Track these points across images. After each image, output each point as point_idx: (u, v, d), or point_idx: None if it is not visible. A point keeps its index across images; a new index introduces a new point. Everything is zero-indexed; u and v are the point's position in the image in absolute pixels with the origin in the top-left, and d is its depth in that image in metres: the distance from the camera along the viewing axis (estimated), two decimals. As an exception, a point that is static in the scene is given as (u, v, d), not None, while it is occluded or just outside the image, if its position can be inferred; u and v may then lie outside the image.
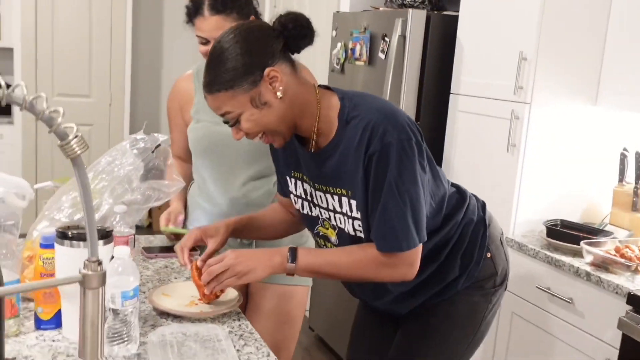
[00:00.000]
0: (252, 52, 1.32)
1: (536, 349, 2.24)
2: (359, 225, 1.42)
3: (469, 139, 2.62)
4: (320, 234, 1.55)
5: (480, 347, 1.67)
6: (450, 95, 2.72)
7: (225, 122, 1.40)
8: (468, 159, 2.62)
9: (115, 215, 1.56)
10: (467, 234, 1.53)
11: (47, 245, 1.31)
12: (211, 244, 1.56)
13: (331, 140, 1.39)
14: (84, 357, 0.83)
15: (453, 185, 1.60)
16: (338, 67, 3.20)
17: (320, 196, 1.48)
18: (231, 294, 1.55)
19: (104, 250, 1.27)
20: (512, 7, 2.39)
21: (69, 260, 1.26)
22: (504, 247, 1.63)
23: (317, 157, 1.42)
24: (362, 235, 1.43)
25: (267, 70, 1.32)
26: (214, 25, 1.79)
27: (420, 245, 1.38)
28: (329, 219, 1.49)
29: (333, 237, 1.51)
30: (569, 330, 2.11)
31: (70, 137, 0.75)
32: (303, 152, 1.45)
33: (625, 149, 2.43)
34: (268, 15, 4.40)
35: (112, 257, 1.26)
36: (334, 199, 1.44)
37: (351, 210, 1.41)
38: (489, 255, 1.56)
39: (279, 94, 1.33)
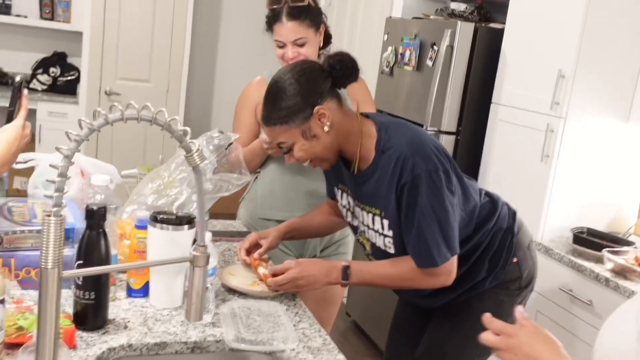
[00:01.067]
0: (303, 93, 1.57)
1: (556, 345, 2.43)
2: (389, 242, 1.66)
3: (507, 147, 2.80)
4: (359, 241, 1.82)
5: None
6: (492, 105, 2.90)
7: (280, 148, 1.66)
8: (505, 166, 2.81)
9: (192, 203, 1.81)
10: (495, 240, 1.74)
11: (141, 226, 1.57)
12: (265, 244, 1.83)
13: (369, 166, 1.63)
14: (189, 318, 1.08)
15: (487, 194, 1.80)
16: (387, 69, 3.40)
17: (359, 212, 1.73)
18: None
19: (190, 233, 1.52)
20: (554, 25, 2.56)
21: (159, 239, 1.51)
22: (532, 253, 1.83)
23: (358, 179, 1.66)
24: (391, 251, 1.68)
25: (316, 109, 1.56)
26: (291, 29, 2.08)
27: (455, 257, 1.61)
28: (364, 232, 1.75)
29: (368, 248, 1.78)
30: (588, 330, 2.30)
31: (194, 150, 1.00)
32: (346, 171, 1.69)
33: (654, 165, 2.59)
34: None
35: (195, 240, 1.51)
36: (368, 217, 1.69)
37: (383, 228, 1.66)
38: (515, 260, 1.77)
39: (326, 128, 1.58)
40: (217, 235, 2.09)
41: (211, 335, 1.45)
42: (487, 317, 1.16)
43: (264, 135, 2.06)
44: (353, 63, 1.61)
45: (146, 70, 5.01)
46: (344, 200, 1.79)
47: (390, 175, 1.57)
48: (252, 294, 1.68)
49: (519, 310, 1.17)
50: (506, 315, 1.79)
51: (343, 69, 1.59)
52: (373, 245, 1.72)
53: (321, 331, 1.54)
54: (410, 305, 1.97)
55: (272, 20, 2.10)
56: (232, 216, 2.39)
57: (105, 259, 1.38)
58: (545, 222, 2.59)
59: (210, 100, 5.64)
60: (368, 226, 1.70)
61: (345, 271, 1.64)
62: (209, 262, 1.51)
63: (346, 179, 1.73)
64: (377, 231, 1.68)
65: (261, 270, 1.73)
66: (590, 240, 2.43)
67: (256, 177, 2.29)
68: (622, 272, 2.24)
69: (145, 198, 1.80)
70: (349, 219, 1.81)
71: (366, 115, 1.68)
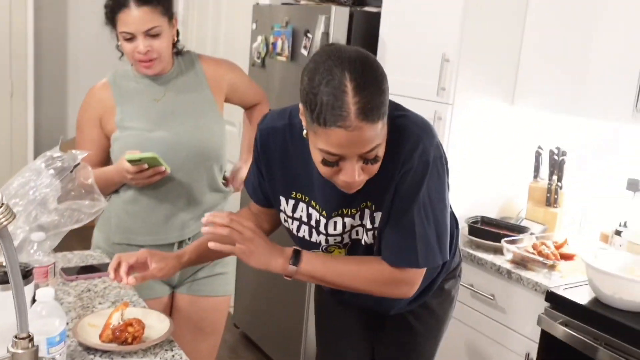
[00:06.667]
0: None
1: (460, 342, 2.32)
2: (377, 234, 1.39)
3: (393, 138, 2.64)
4: (318, 252, 1.48)
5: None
6: (373, 93, 2.72)
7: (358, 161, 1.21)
8: (392, 157, 2.65)
9: (32, 244, 1.45)
10: (452, 230, 1.55)
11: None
12: (155, 271, 1.47)
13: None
14: None
15: None
16: (259, 61, 3.13)
17: (335, 222, 1.40)
18: (162, 322, 1.49)
19: (26, 290, 1.17)
20: (434, 7, 2.41)
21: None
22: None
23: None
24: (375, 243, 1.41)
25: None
26: (141, 17, 1.74)
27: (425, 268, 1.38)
28: (340, 241, 1.44)
29: (339, 254, 1.47)
30: (491, 325, 2.19)
31: (-7, 210, 0.68)
32: (322, 180, 1.31)
33: (539, 147, 2.53)
34: (182, 3, 4.23)
35: (33, 299, 1.18)
36: (354, 218, 1.39)
37: (373, 223, 1.37)
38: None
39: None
40: (72, 273, 1.73)
41: (65, 420, 1.12)
42: None
43: (127, 165, 1.73)
44: None
45: (-18, 72, 4.36)
46: (301, 212, 1.44)
47: (394, 159, 1.25)
48: (119, 350, 1.36)
49: None
50: (453, 304, 1.72)
51: None
52: (354, 243, 1.43)
53: (208, 390, 1.26)
54: (350, 309, 1.72)
55: (115, 8, 1.74)
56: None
57: None
58: (439, 215, 2.46)
59: (65, 101, 5.05)
60: (351, 227, 1.39)
61: (295, 257, 1.33)
62: (56, 327, 1.19)
63: (317, 190, 1.38)
64: (364, 225, 1.38)
65: (115, 317, 1.40)
66: (486, 231, 2.33)
67: (111, 196, 1.94)
68: (522, 262, 2.14)
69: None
70: (303, 233, 1.46)
71: None
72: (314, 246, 1.47)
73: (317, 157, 1.21)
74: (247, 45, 3.27)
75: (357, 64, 1.14)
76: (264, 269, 1.34)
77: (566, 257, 2.17)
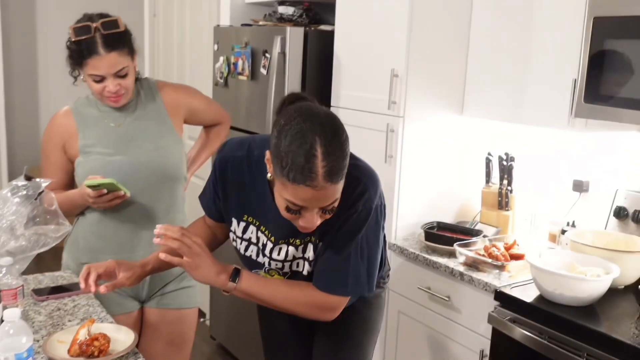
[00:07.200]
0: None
1: (421, 342, 2.43)
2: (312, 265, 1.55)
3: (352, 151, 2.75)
4: (260, 273, 1.62)
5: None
6: (331, 109, 2.85)
7: (324, 212, 1.37)
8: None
9: (1, 269, 1.54)
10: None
11: None
12: (123, 279, 1.60)
13: None
14: None
15: None
16: (222, 81, 3.24)
17: (280, 249, 1.55)
18: (128, 336, 1.58)
19: (-8, 313, 1.27)
20: (382, 25, 2.54)
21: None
22: None
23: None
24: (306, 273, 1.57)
25: None
26: (111, 61, 1.85)
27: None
28: (281, 268, 1.58)
29: (278, 278, 1.61)
30: (448, 325, 2.31)
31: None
32: (275, 210, 1.43)
33: (489, 154, 2.67)
34: (148, 23, 4.33)
35: (1, 319, 1.26)
36: (297, 250, 1.54)
37: (315, 254, 1.53)
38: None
39: None
40: (43, 293, 1.82)
41: None
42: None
43: (87, 190, 1.83)
44: None
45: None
46: (250, 234, 1.59)
47: (343, 201, 1.40)
48: (86, 364, 1.45)
49: None
50: (384, 304, 1.88)
51: None
52: (294, 274, 1.59)
53: (170, 397, 1.36)
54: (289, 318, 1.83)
55: (84, 53, 1.83)
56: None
57: None
58: (397, 222, 2.58)
59: (37, 127, 5.11)
60: (294, 258, 1.55)
61: (234, 275, 1.47)
62: (23, 344, 1.28)
63: (270, 219, 1.53)
64: (307, 259, 1.54)
65: (82, 332, 1.49)
66: (440, 236, 2.45)
67: (77, 218, 2.03)
68: (474, 264, 2.27)
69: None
70: (251, 253, 1.61)
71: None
72: (258, 266, 1.62)
73: (281, 203, 1.36)
74: (211, 66, 3.38)
75: (327, 130, 1.29)
76: (206, 282, 1.48)
77: (516, 258, 2.30)
